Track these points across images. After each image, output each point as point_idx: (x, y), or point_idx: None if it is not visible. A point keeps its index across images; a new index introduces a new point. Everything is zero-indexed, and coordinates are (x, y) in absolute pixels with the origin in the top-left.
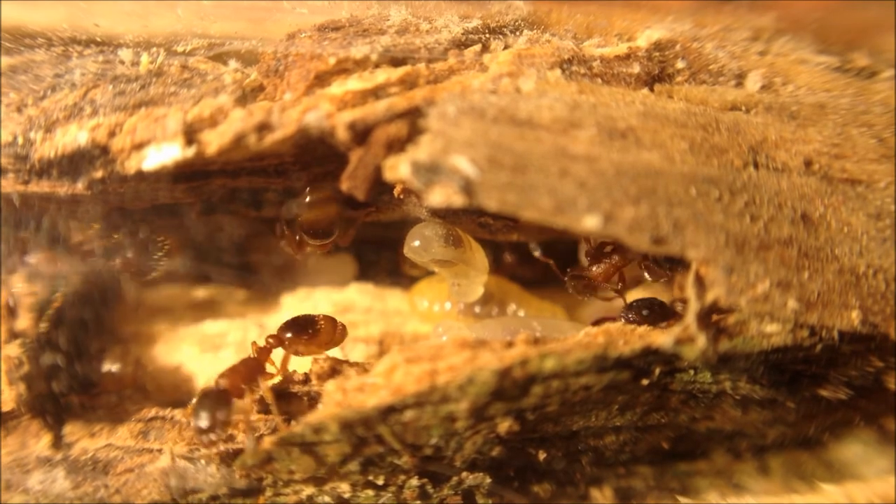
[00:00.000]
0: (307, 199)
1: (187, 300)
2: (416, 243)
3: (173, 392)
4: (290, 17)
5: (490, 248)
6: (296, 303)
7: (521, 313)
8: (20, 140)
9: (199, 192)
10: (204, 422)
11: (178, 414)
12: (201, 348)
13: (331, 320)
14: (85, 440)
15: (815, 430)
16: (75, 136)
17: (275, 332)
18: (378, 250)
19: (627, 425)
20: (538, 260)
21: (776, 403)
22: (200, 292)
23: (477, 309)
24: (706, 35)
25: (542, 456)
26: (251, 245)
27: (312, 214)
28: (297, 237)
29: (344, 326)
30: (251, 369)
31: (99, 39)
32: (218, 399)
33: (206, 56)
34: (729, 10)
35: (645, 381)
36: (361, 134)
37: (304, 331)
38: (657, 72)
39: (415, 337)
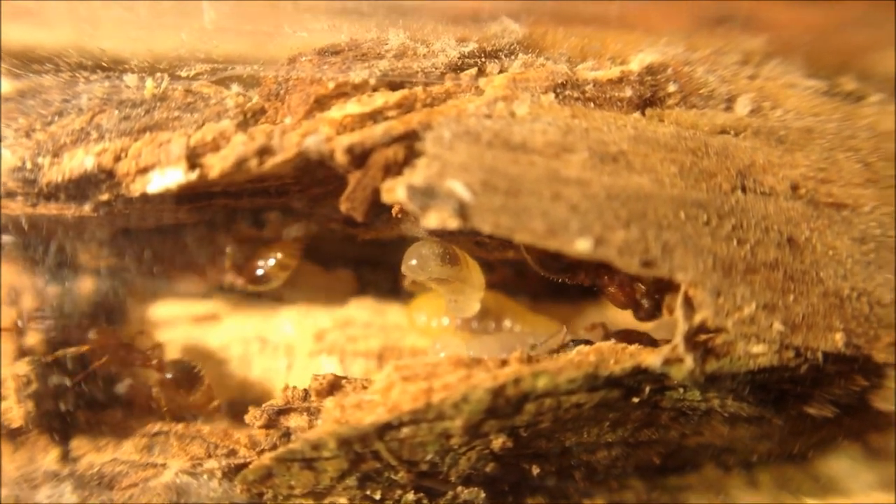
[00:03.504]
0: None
1: (190, 315)
2: (414, 262)
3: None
4: (291, 40)
5: (487, 265)
6: (297, 317)
7: (518, 329)
8: (28, 164)
9: (201, 212)
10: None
11: (181, 428)
12: (204, 363)
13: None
14: (91, 454)
15: (801, 447)
16: (82, 160)
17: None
18: (377, 269)
19: (619, 441)
20: (535, 275)
21: (763, 420)
22: (203, 307)
23: (474, 324)
24: (697, 59)
25: (535, 471)
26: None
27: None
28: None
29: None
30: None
31: (105, 64)
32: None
33: (210, 80)
34: (721, 33)
35: (635, 399)
36: (360, 157)
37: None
38: (649, 95)
39: (413, 351)
